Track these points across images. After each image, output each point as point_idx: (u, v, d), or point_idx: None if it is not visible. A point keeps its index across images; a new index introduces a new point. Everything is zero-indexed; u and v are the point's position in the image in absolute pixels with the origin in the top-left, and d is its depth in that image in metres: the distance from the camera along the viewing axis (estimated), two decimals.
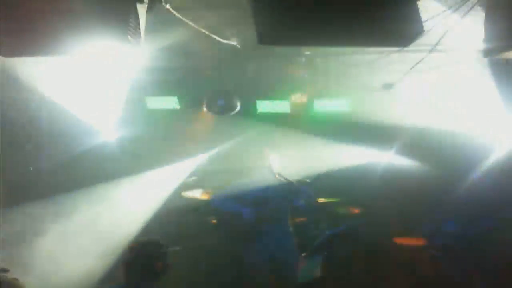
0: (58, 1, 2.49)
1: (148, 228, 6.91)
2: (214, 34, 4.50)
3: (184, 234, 6.93)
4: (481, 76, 5.70)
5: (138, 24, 2.61)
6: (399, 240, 6.30)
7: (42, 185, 5.84)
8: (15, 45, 2.60)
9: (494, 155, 5.14)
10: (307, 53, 5.42)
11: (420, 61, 5.66)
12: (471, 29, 4.36)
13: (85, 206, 6.13)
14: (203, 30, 4.25)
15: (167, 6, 3.43)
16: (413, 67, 5.84)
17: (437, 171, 6.66)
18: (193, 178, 7.13)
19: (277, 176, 5.25)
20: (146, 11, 2.67)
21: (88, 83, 5.70)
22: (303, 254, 4.75)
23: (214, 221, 6.40)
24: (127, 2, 2.55)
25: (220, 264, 6.43)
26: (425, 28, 2.66)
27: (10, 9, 2.49)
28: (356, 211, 6.43)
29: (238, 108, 6.03)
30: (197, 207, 6.84)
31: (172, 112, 6.84)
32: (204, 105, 6.19)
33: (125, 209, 6.77)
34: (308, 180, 5.33)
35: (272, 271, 5.32)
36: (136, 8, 2.61)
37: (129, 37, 2.52)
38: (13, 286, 2.79)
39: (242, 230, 5.28)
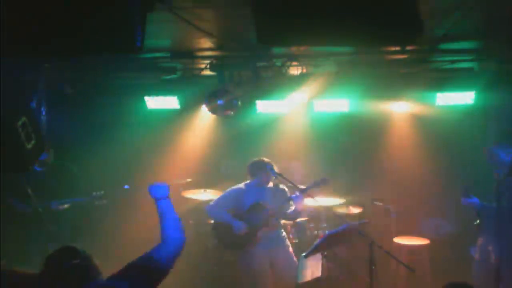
0: None
1: (148, 228, 6.92)
2: (214, 34, 4.50)
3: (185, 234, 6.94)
4: None
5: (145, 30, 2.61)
6: (399, 240, 6.32)
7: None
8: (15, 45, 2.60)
9: None
10: (307, 53, 5.42)
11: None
12: None
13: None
14: (203, 30, 4.26)
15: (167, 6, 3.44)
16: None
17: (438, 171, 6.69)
18: (193, 178, 7.13)
19: (277, 175, 5.24)
20: (147, 12, 2.67)
21: None
22: (303, 254, 4.75)
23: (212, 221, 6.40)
24: (135, 11, 2.55)
25: (219, 265, 6.45)
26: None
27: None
28: (356, 211, 6.44)
29: (238, 108, 6.02)
30: (196, 207, 6.85)
31: (172, 112, 6.85)
32: (204, 105, 6.19)
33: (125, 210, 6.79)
34: (301, 186, 5.34)
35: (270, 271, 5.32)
36: (145, 17, 2.61)
37: (137, 45, 2.53)
38: (14, 274, 2.79)
39: (235, 237, 5.28)
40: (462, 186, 5.01)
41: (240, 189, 5.45)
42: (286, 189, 5.48)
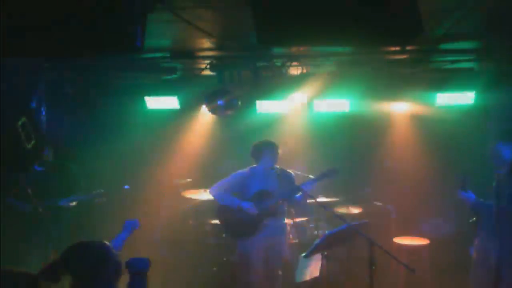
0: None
1: (148, 228, 6.92)
2: (214, 34, 4.50)
3: (185, 234, 6.95)
4: None
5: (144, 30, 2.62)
6: (399, 240, 6.32)
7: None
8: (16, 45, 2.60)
9: None
10: (307, 53, 5.42)
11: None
12: None
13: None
14: (203, 30, 4.25)
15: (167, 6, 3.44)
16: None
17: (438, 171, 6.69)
18: (193, 178, 7.13)
19: (277, 174, 5.23)
20: (147, 12, 2.68)
21: None
22: (302, 255, 4.74)
23: (212, 222, 6.41)
24: (136, 11, 2.56)
25: (219, 265, 6.45)
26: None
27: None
28: (356, 211, 6.44)
29: (238, 108, 6.03)
30: (196, 207, 6.85)
31: (172, 112, 6.85)
32: (204, 105, 6.20)
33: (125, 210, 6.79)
34: (310, 176, 5.33)
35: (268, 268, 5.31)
36: (145, 18, 2.62)
37: (137, 45, 2.53)
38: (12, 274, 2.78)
39: (240, 224, 5.23)
40: (461, 177, 4.92)
41: (245, 173, 5.29)
42: (293, 174, 5.38)
